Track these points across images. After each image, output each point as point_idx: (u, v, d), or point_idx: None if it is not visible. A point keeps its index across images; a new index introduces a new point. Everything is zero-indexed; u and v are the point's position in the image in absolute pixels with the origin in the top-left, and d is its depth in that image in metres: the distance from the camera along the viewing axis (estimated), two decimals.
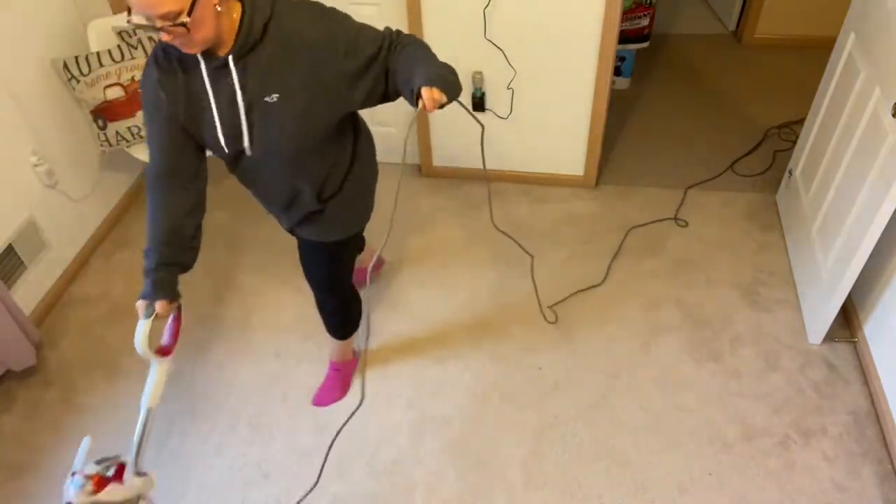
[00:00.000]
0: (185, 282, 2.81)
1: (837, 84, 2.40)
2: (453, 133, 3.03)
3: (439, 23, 2.68)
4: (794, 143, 2.92)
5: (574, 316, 2.53)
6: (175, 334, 1.63)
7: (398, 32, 1.55)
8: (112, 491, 1.43)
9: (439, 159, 3.14)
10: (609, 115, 2.93)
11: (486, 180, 2.12)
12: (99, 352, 2.51)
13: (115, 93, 2.58)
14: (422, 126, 3.02)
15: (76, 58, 2.54)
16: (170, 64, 1.45)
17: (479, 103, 2.86)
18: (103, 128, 2.63)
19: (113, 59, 2.56)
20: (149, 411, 1.55)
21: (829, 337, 2.37)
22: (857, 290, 2.38)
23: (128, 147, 2.71)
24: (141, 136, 2.68)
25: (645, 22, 3.39)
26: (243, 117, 1.48)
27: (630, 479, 2.06)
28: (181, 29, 1.28)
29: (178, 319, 1.66)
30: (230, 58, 1.41)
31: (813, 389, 2.25)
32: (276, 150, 1.55)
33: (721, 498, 2.01)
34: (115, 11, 2.81)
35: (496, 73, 2.79)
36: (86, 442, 1.54)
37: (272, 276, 2.76)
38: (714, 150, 3.25)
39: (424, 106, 1.34)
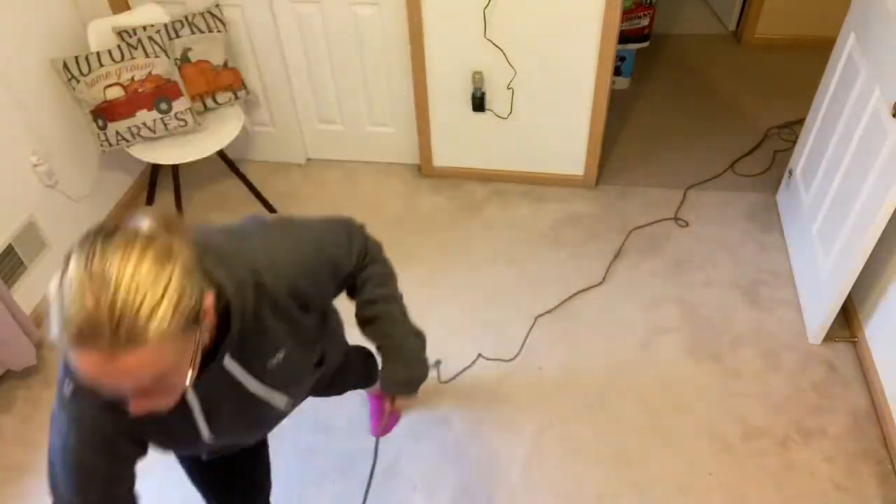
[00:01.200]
0: None
1: (837, 84, 2.40)
2: (453, 133, 3.03)
3: (439, 23, 2.68)
4: (794, 143, 2.92)
5: (574, 316, 2.53)
6: None
7: (363, 237, 1.37)
8: None
9: (439, 159, 3.14)
10: (609, 115, 2.93)
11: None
12: None
13: (115, 93, 2.58)
14: (422, 126, 3.02)
15: (76, 58, 2.54)
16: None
17: (479, 103, 2.86)
18: (103, 128, 2.63)
19: (113, 59, 2.56)
20: None
21: (829, 337, 2.37)
22: (857, 290, 2.38)
23: (128, 147, 2.71)
24: (141, 136, 2.68)
25: (645, 22, 3.39)
26: (255, 414, 1.27)
27: (630, 479, 2.06)
28: (177, 385, 0.93)
29: None
30: (226, 360, 1.10)
31: (813, 389, 2.25)
32: (283, 413, 1.36)
33: (721, 498, 2.01)
34: (115, 11, 2.81)
35: (496, 73, 2.79)
36: None
37: None
38: (714, 150, 3.25)
39: (391, 406, 1.40)
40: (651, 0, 3.33)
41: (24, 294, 2.56)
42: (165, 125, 2.68)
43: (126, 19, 2.67)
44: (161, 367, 0.84)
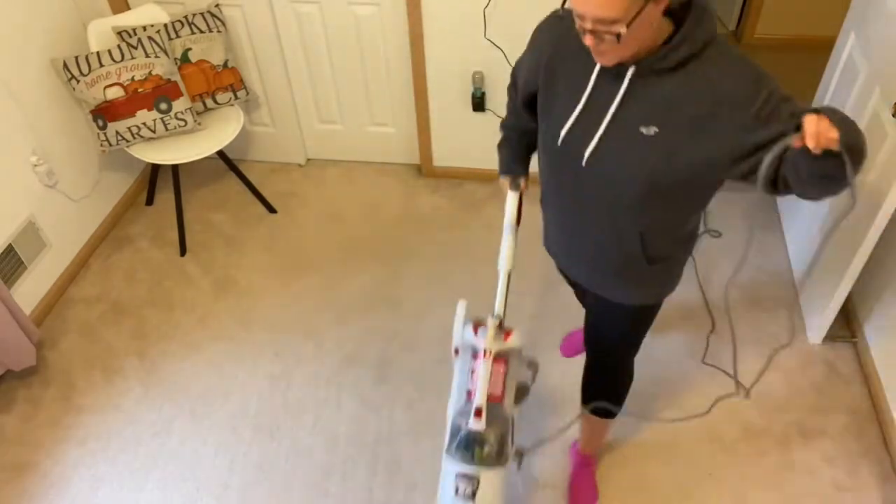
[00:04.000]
0: (184, 282, 2.81)
1: (837, 84, 2.39)
2: (453, 133, 3.03)
3: (439, 23, 2.68)
4: None
5: (573, 316, 2.52)
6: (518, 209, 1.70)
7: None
8: (514, 338, 1.53)
9: (439, 159, 3.14)
10: None
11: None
12: (99, 352, 2.51)
13: (115, 93, 2.58)
14: (422, 126, 3.02)
15: (76, 58, 2.54)
16: (570, 32, 1.30)
17: (479, 103, 2.86)
18: (103, 128, 2.63)
19: (113, 59, 2.56)
20: (508, 274, 1.65)
21: (829, 337, 2.37)
22: (857, 290, 2.38)
23: (128, 147, 2.71)
24: (141, 136, 2.68)
25: None
26: (602, 129, 1.29)
27: (630, 479, 2.06)
28: (611, 38, 1.14)
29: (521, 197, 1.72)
30: (630, 70, 1.23)
31: (813, 389, 2.25)
32: (623, 183, 1.32)
33: (721, 498, 2.01)
34: (115, 11, 2.81)
35: (496, 73, 2.79)
36: (461, 305, 1.72)
37: (273, 276, 2.76)
38: None
39: (802, 137, 1.06)
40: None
41: (24, 294, 2.56)
42: (165, 125, 2.68)
43: (126, 19, 2.68)
44: (618, 9, 1.09)
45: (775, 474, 2.05)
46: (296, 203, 3.08)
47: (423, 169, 3.19)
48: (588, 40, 1.17)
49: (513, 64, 2.74)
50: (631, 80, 1.24)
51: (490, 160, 3.10)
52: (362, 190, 3.13)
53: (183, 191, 3.14)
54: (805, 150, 1.07)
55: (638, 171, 1.29)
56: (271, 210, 3.05)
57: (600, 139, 1.30)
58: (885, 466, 2.05)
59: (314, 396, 2.33)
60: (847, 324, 2.42)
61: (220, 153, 2.90)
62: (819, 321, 2.32)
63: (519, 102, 1.57)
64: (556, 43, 1.36)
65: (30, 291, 2.59)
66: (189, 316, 2.62)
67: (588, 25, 1.13)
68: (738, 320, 2.48)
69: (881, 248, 2.18)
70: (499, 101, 2.88)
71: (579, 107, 1.31)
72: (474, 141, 3.03)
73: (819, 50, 3.38)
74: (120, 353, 2.50)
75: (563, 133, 1.35)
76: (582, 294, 1.89)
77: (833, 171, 1.09)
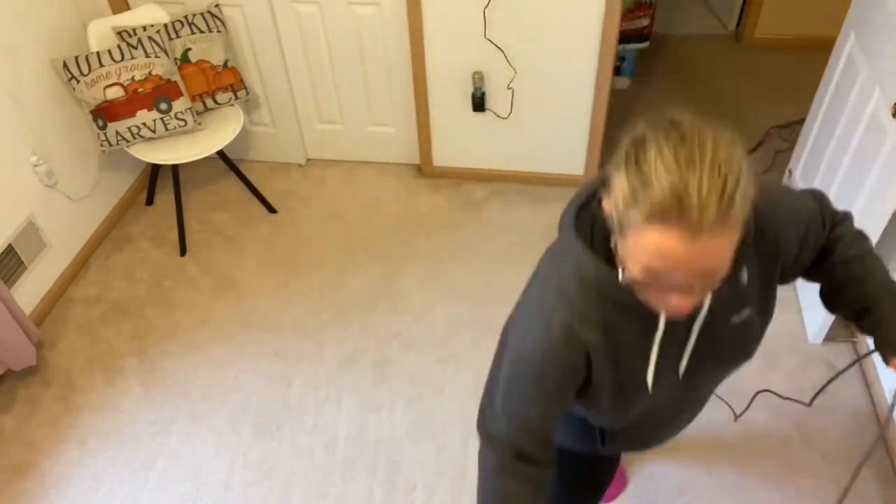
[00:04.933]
0: (184, 282, 2.81)
1: (837, 84, 2.39)
2: (453, 133, 3.03)
3: (439, 23, 2.68)
4: (795, 142, 2.91)
5: None
6: None
7: (829, 207, 1.20)
8: None
9: (439, 159, 3.14)
10: (609, 115, 2.93)
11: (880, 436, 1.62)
12: (98, 352, 2.51)
13: (115, 93, 2.58)
14: (422, 126, 3.02)
15: (76, 58, 2.54)
16: (610, 312, 1.01)
17: (479, 103, 2.86)
18: (103, 128, 2.63)
19: (113, 59, 2.56)
20: None
21: (829, 337, 2.37)
22: None
23: (128, 147, 2.71)
24: (141, 136, 2.68)
25: (645, 22, 3.39)
26: (691, 343, 1.07)
27: (629, 479, 2.06)
28: (710, 284, 0.88)
29: None
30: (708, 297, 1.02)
31: (813, 389, 2.25)
32: (732, 367, 1.18)
33: (721, 498, 2.01)
34: (115, 11, 2.81)
35: (496, 73, 2.79)
36: None
37: (273, 276, 2.76)
38: None
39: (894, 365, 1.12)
40: (651, 0, 3.33)
41: (24, 294, 2.56)
42: (165, 125, 2.68)
43: (126, 19, 2.68)
44: (726, 254, 0.83)
45: (775, 475, 2.05)
46: (296, 203, 3.08)
47: (423, 169, 3.19)
48: (673, 301, 0.89)
49: (513, 64, 2.76)
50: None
51: (490, 160, 3.10)
52: (362, 190, 3.13)
53: (183, 191, 3.14)
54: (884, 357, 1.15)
55: (744, 353, 1.16)
56: (271, 210, 3.05)
57: (690, 352, 1.08)
58: (885, 466, 2.05)
59: (314, 396, 2.33)
60: (847, 324, 2.42)
61: (220, 153, 2.90)
62: (819, 321, 2.32)
63: (551, 433, 1.11)
64: (602, 328, 1.02)
65: (30, 291, 2.59)
66: (189, 316, 2.62)
67: (682, 280, 0.85)
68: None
69: (881, 248, 2.18)
70: (499, 101, 2.88)
71: (654, 351, 1.04)
72: (474, 141, 3.03)
73: (819, 50, 3.38)
74: (120, 353, 2.50)
75: (650, 378, 1.07)
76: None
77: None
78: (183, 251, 2.87)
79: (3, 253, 2.43)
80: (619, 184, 0.84)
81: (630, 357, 1.05)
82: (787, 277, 1.17)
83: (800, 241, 1.12)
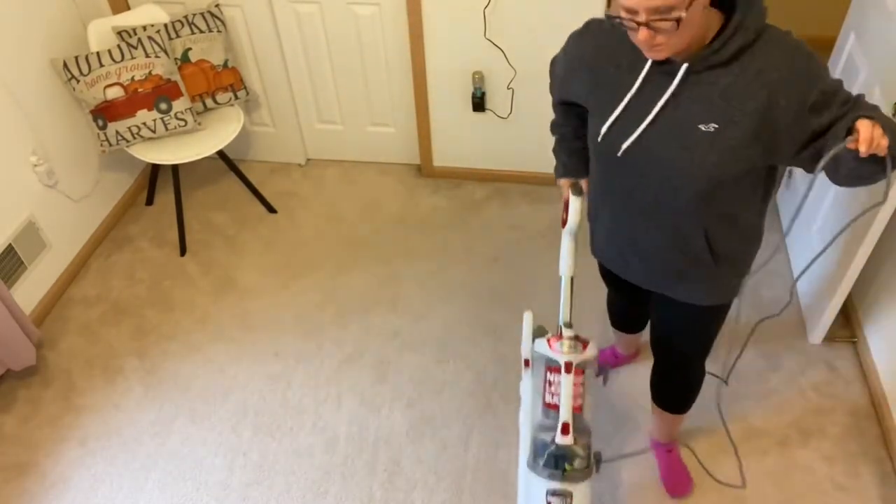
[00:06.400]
0: (184, 282, 2.80)
1: None
2: (453, 133, 3.03)
3: (439, 23, 2.68)
4: None
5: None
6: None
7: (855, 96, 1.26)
8: (591, 348, 1.55)
9: (439, 159, 3.14)
10: None
11: None
12: (98, 352, 2.51)
13: (115, 93, 2.58)
14: (422, 126, 3.02)
15: (76, 58, 2.54)
16: (612, 34, 1.33)
17: (479, 103, 2.86)
18: (103, 128, 2.63)
19: (113, 59, 2.56)
20: (571, 280, 1.66)
21: (829, 337, 2.37)
22: (857, 290, 2.38)
23: (128, 147, 2.71)
24: (141, 136, 2.68)
25: None
26: (646, 121, 1.29)
27: (629, 479, 2.06)
28: (669, 26, 1.12)
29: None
30: (683, 67, 1.22)
31: (813, 389, 2.25)
32: (683, 181, 1.31)
33: (721, 498, 2.01)
34: (115, 11, 2.81)
35: (496, 73, 2.79)
36: (528, 316, 1.76)
37: (273, 276, 2.76)
38: None
39: (856, 140, 1.11)
40: None
41: (24, 294, 2.56)
42: (165, 125, 2.68)
43: (126, 19, 2.68)
44: None
45: (775, 474, 2.05)
46: (296, 203, 3.08)
47: (423, 169, 3.19)
48: (642, 35, 1.14)
49: (513, 64, 2.76)
50: (683, 77, 1.23)
51: (490, 160, 3.10)
52: (362, 190, 3.13)
53: (183, 191, 3.14)
54: (853, 150, 1.13)
55: (698, 169, 1.28)
56: (271, 210, 3.05)
57: (645, 133, 1.29)
58: (884, 466, 2.05)
59: (314, 396, 2.34)
60: (847, 324, 2.42)
61: (220, 153, 2.90)
62: (819, 321, 2.32)
63: (557, 100, 1.60)
64: (599, 44, 1.36)
65: (30, 291, 2.59)
66: (189, 316, 2.62)
67: (642, 18, 1.12)
68: (739, 320, 2.48)
69: (881, 248, 2.18)
70: (499, 101, 2.88)
71: (622, 104, 1.31)
72: (474, 141, 3.03)
73: (819, 50, 3.37)
74: (120, 353, 2.50)
75: (603, 130, 1.35)
76: (635, 306, 1.93)
77: (874, 172, 1.18)
78: (183, 251, 2.87)
79: (3, 253, 2.43)
80: None
81: (607, 89, 1.34)
82: (800, 144, 1.22)
83: (811, 102, 1.18)
